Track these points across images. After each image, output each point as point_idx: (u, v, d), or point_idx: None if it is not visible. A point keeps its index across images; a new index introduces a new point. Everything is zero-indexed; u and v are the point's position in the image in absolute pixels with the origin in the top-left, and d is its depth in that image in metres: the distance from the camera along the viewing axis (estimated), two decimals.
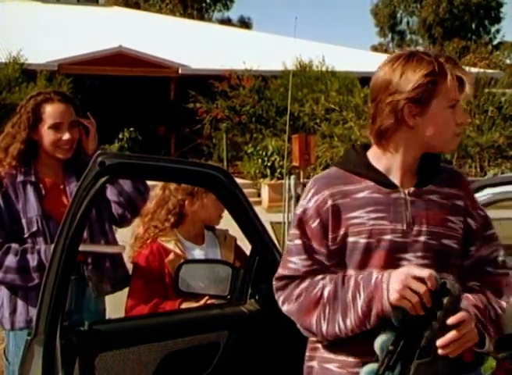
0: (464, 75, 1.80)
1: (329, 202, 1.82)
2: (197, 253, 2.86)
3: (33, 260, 2.56)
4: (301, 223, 1.86)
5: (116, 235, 2.91)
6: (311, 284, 1.82)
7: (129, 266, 2.87)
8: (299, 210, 1.88)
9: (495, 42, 40.67)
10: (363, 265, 1.81)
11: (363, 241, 1.80)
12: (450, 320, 1.68)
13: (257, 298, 2.47)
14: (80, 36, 19.98)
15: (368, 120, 1.87)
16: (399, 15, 44.73)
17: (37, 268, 2.55)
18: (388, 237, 1.80)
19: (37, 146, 2.73)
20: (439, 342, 1.68)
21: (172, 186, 2.88)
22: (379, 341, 1.72)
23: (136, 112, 17.96)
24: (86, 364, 2.12)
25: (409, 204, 1.83)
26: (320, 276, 1.83)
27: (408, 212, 1.82)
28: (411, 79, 1.75)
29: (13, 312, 2.63)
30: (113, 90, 18.07)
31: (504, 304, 1.90)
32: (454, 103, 1.80)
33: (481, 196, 3.09)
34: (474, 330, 1.73)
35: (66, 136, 2.70)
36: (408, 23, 44.72)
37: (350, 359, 1.82)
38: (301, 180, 9.69)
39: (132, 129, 17.21)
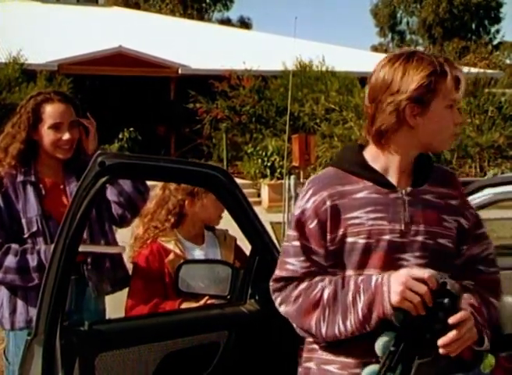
0: (461, 75, 1.81)
1: (328, 203, 1.81)
2: (197, 253, 2.86)
3: (32, 260, 2.56)
4: (299, 224, 1.85)
5: (116, 235, 2.91)
6: (309, 286, 1.82)
7: (129, 266, 2.87)
8: (297, 211, 1.87)
9: (495, 42, 40.69)
10: (362, 265, 1.81)
11: (362, 241, 1.80)
12: (451, 320, 1.69)
13: (257, 298, 2.46)
14: (79, 36, 19.98)
15: (366, 120, 1.86)
16: (399, 15, 44.76)
17: (36, 268, 2.55)
18: (387, 237, 1.80)
19: (37, 146, 2.73)
20: (441, 342, 1.69)
21: (172, 186, 2.88)
22: (380, 343, 1.73)
23: (136, 112, 17.97)
24: (86, 364, 2.12)
25: (406, 204, 1.84)
26: (318, 278, 1.82)
27: (406, 212, 1.83)
28: (413, 79, 1.75)
29: (13, 312, 2.63)
30: (113, 90, 18.07)
31: (497, 302, 1.93)
32: (452, 103, 1.81)
33: (481, 196, 3.09)
34: (474, 329, 1.75)
35: (66, 136, 2.70)
36: (408, 23, 44.78)
37: (350, 360, 1.82)
38: (301, 180, 9.69)
39: (132, 129, 17.22)
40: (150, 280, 2.71)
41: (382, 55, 1.97)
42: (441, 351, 1.69)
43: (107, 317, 2.83)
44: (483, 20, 41.25)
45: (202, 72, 17.88)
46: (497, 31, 42.22)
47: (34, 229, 2.62)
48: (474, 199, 3.10)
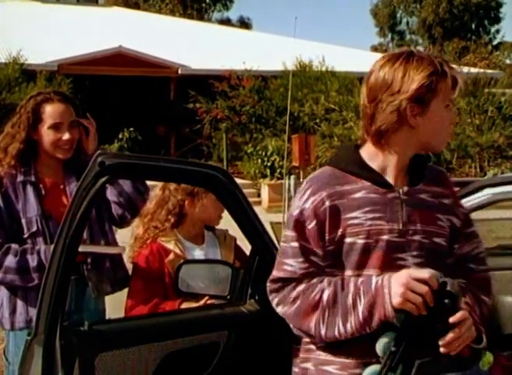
0: (457, 75, 1.82)
1: (327, 203, 1.81)
2: (197, 253, 2.86)
3: (32, 260, 2.56)
4: (298, 225, 1.84)
5: (116, 235, 2.91)
6: (308, 287, 1.81)
7: (129, 266, 2.87)
8: (295, 211, 1.85)
9: (495, 42, 40.69)
10: (360, 265, 1.81)
11: (361, 241, 1.80)
12: (452, 319, 1.70)
13: (257, 298, 2.46)
14: (79, 36, 19.99)
15: (364, 120, 1.85)
16: (398, 15, 44.77)
17: (36, 268, 2.55)
18: (385, 237, 1.81)
19: (36, 146, 2.73)
20: (442, 341, 1.70)
21: (172, 186, 2.87)
22: (381, 343, 1.73)
23: (136, 112, 17.97)
24: (86, 364, 2.12)
25: (404, 203, 1.84)
26: (317, 279, 1.82)
27: (403, 211, 1.83)
28: (414, 79, 1.75)
29: (13, 312, 2.63)
30: (113, 90, 18.07)
31: (489, 300, 1.94)
32: (450, 103, 1.83)
33: (480, 196, 3.09)
34: (472, 328, 1.76)
35: (66, 136, 2.70)
36: (408, 23, 44.79)
37: (350, 360, 1.82)
38: (301, 180, 9.69)
39: (132, 129, 17.22)
40: (150, 280, 2.71)
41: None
42: (442, 350, 1.71)
43: (107, 317, 2.83)
44: (483, 20, 41.26)
45: (202, 72, 17.88)
46: (497, 31, 42.27)
47: (34, 229, 2.62)
48: (474, 199, 3.11)
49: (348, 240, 1.80)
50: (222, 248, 2.91)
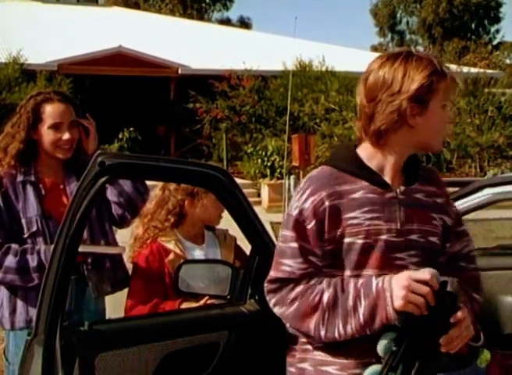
0: (455, 76, 1.84)
1: (327, 203, 1.80)
2: (197, 253, 2.86)
3: (32, 260, 2.56)
4: (297, 225, 1.83)
5: (116, 236, 2.91)
6: (307, 288, 1.80)
7: (129, 266, 2.87)
8: (294, 211, 1.84)
9: (494, 42, 40.69)
10: (359, 265, 1.81)
11: (360, 241, 1.80)
12: (453, 319, 1.72)
13: (257, 298, 2.46)
14: (79, 36, 19.99)
15: (362, 120, 1.85)
16: (398, 15, 44.76)
17: (36, 268, 2.55)
18: (384, 237, 1.81)
19: (36, 146, 2.73)
20: (443, 340, 1.71)
21: (172, 186, 2.87)
22: (382, 344, 1.73)
23: (136, 112, 17.97)
24: (86, 364, 2.12)
25: (401, 203, 1.85)
26: (316, 280, 1.81)
27: (401, 211, 1.84)
28: (415, 78, 1.75)
29: (13, 312, 2.63)
30: (113, 90, 18.07)
31: (480, 298, 1.95)
32: (446, 103, 1.84)
33: (481, 196, 3.09)
34: (471, 326, 1.78)
35: (66, 136, 2.70)
36: (408, 22, 44.78)
37: (350, 361, 1.82)
38: (301, 179, 9.69)
39: (132, 129, 17.22)
40: (150, 280, 2.71)
41: None
42: (443, 349, 1.72)
43: (107, 317, 2.83)
44: (483, 20, 41.27)
45: (202, 72, 17.88)
46: (497, 31, 42.28)
47: (34, 229, 2.62)
48: (474, 199, 3.11)
49: (347, 240, 1.80)
50: (222, 248, 2.91)
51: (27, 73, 16.05)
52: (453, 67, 17.42)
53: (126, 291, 2.79)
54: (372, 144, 1.86)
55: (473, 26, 41.51)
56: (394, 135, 1.82)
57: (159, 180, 2.83)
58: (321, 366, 1.86)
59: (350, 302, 1.75)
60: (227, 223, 2.81)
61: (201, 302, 2.64)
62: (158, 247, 2.78)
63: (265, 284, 1.89)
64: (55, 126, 2.70)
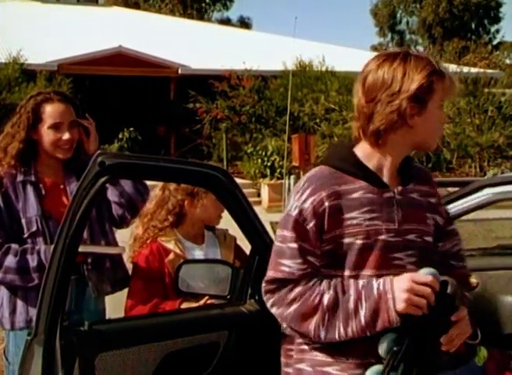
0: (452, 76, 1.84)
1: (326, 203, 1.79)
2: (197, 253, 2.86)
3: (32, 261, 2.56)
4: (297, 225, 1.81)
5: (116, 235, 2.91)
6: (306, 289, 1.79)
7: (129, 266, 2.87)
8: (294, 211, 1.82)
9: (494, 42, 40.67)
10: (358, 265, 1.81)
11: (359, 241, 1.79)
12: (454, 317, 1.75)
13: (257, 298, 2.46)
14: (79, 36, 19.99)
15: (361, 120, 1.84)
16: (398, 15, 44.75)
17: (36, 268, 2.55)
18: (383, 237, 1.81)
19: (36, 146, 2.73)
20: (444, 339, 1.73)
21: (172, 186, 2.88)
22: (384, 344, 1.74)
23: (136, 112, 17.97)
24: (86, 364, 2.12)
25: (398, 203, 1.86)
26: (315, 281, 1.80)
27: (398, 211, 1.85)
28: (414, 78, 1.76)
29: (13, 311, 2.63)
30: (113, 90, 18.07)
31: (469, 296, 1.97)
32: (443, 103, 1.85)
33: (481, 196, 3.09)
34: (469, 324, 1.80)
35: (66, 136, 2.70)
36: (408, 22, 44.77)
37: (351, 361, 1.81)
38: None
39: (132, 129, 17.22)
40: (150, 280, 2.71)
41: None
42: (443, 348, 1.74)
43: (107, 317, 2.83)
44: (483, 20, 41.27)
45: (202, 72, 17.88)
46: (497, 31, 42.27)
47: (34, 229, 2.62)
48: (474, 199, 3.11)
49: (346, 240, 1.80)
50: (222, 248, 2.91)
51: (27, 73, 16.05)
52: (453, 67, 17.46)
53: (126, 291, 2.79)
54: (371, 144, 1.85)
55: (473, 26, 41.50)
56: (393, 135, 1.82)
57: (159, 180, 2.83)
58: (320, 366, 1.85)
59: (351, 305, 1.75)
60: (227, 222, 2.81)
61: (201, 302, 2.64)
62: (158, 247, 2.78)
63: (263, 284, 1.88)
64: (55, 126, 2.70)
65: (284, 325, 1.91)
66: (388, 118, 1.78)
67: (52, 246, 2.19)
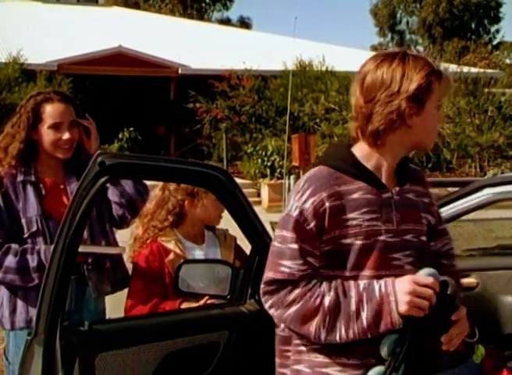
0: (448, 76, 1.85)
1: (327, 204, 1.78)
2: (198, 253, 2.86)
3: (32, 261, 2.56)
4: (298, 226, 1.79)
5: (116, 235, 2.91)
6: (306, 291, 1.78)
7: (129, 266, 2.87)
8: (295, 212, 1.80)
9: (495, 42, 40.67)
10: (357, 266, 1.80)
11: (359, 242, 1.79)
12: (454, 317, 1.76)
13: (257, 297, 2.46)
14: (79, 36, 19.99)
15: (360, 121, 1.83)
16: (398, 15, 44.75)
17: (36, 268, 2.54)
18: (382, 237, 1.81)
19: (36, 146, 2.73)
20: (444, 338, 1.75)
21: (172, 186, 2.87)
22: (386, 346, 1.74)
23: (136, 112, 17.97)
24: (86, 364, 2.12)
25: (396, 204, 1.86)
26: (314, 282, 1.78)
27: (396, 211, 1.85)
28: (413, 78, 1.76)
29: (13, 311, 2.63)
30: (113, 90, 18.07)
31: (462, 294, 1.97)
32: (440, 103, 1.85)
33: (481, 196, 3.09)
34: (467, 323, 1.82)
35: (66, 136, 2.70)
36: (408, 22, 44.77)
37: (351, 362, 1.81)
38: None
39: (132, 129, 17.22)
40: (150, 280, 2.71)
41: None
42: (444, 347, 1.76)
43: (107, 317, 2.83)
44: (483, 20, 41.28)
45: (202, 72, 17.88)
46: (497, 31, 42.28)
47: (34, 229, 2.62)
48: (474, 199, 3.11)
49: (346, 241, 1.79)
50: (222, 248, 2.91)
51: (27, 73, 16.05)
52: (453, 67, 17.47)
53: (126, 290, 2.79)
54: (369, 145, 1.85)
55: (473, 26, 41.51)
56: (392, 135, 1.82)
57: (159, 180, 2.83)
58: (319, 367, 1.84)
59: (353, 307, 1.74)
60: (227, 222, 2.81)
61: (201, 302, 2.64)
62: (158, 247, 2.78)
63: (262, 285, 1.85)
64: (55, 126, 2.70)
65: (281, 326, 1.90)
66: (387, 118, 1.78)
67: (52, 246, 2.19)
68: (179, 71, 18.26)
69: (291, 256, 1.79)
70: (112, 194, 2.76)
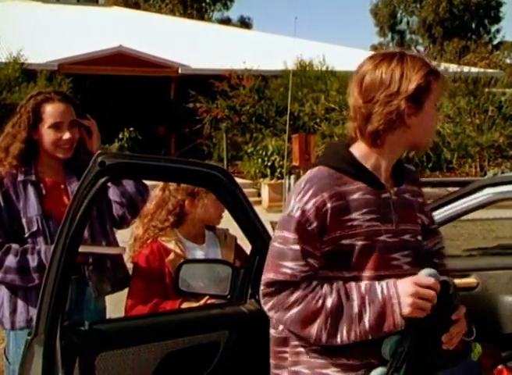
0: (444, 76, 1.86)
1: (329, 205, 1.77)
2: (198, 253, 2.86)
3: (33, 261, 2.56)
4: (300, 226, 1.78)
5: (116, 235, 2.91)
6: (308, 293, 1.76)
7: (129, 266, 2.87)
8: (296, 213, 1.78)
9: (495, 42, 40.68)
10: (357, 266, 1.80)
11: (359, 243, 1.79)
12: (455, 316, 1.78)
13: (257, 297, 2.46)
14: (79, 36, 19.99)
15: (358, 121, 1.83)
16: (399, 14, 44.75)
17: (37, 268, 2.55)
18: (381, 238, 1.82)
19: (37, 146, 2.73)
20: (445, 338, 1.76)
21: (172, 186, 2.88)
22: (388, 346, 1.75)
23: (137, 112, 17.97)
24: (86, 364, 2.12)
25: (394, 204, 1.87)
26: (315, 283, 1.77)
27: (395, 211, 1.86)
28: (412, 79, 1.77)
29: (13, 311, 2.63)
30: (113, 90, 18.07)
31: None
32: (437, 103, 1.86)
33: (481, 196, 3.09)
34: (465, 321, 1.83)
35: (66, 135, 2.70)
36: (408, 22, 44.77)
37: (352, 362, 1.80)
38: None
39: (132, 129, 17.20)
40: (150, 280, 2.71)
41: None
42: (444, 346, 1.77)
43: (107, 317, 2.83)
44: (483, 20, 41.27)
45: (202, 71, 17.88)
46: (497, 31, 42.28)
47: (34, 228, 2.62)
48: (474, 199, 3.11)
49: (346, 241, 1.79)
50: (223, 248, 2.91)
51: (27, 73, 16.04)
52: (454, 67, 17.46)
53: (126, 290, 2.79)
54: (368, 145, 1.85)
55: (473, 25, 41.51)
56: (391, 135, 1.82)
57: (160, 180, 2.83)
58: (319, 368, 1.83)
59: (355, 309, 1.73)
60: (227, 222, 2.82)
61: (202, 302, 2.64)
62: (159, 246, 2.78)
63: (262, 287, 1.82)
64: (56, 126, 2.70)
65: (279, 328, 1.88)
66: (386, 118, 1.78)
67: (53, 246, 2.19)
68: (180, 71, 18.25)
69: (293, 257, 1.77)
70: (113, 194, 2.76)
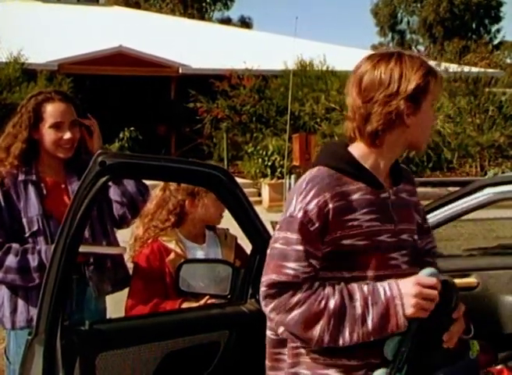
0: (441, 75, 1.86)
1: (330, 205, 1.77)
2: (198, 253, 2.86)
3: (33, 260, 2.56)
4: (302, 227, 1.76)
5: (116, 235, 2.91)
6: (310, 294, 1.74)
7: (130, 266, 2.87)
8: (299, 213, 1.77)
9: (495, 42, 40.66)
10: (357, 267, 1.80)
11: (360, 243, 1.79)
12: (455, 315, 1.79)
13: (257, 297, 2.46)
14: (80, 36, 19.98)
15: (357, 121, 1.83)
16: (399, 14, 44.72)
17: (37, 268, 2.55)
18: (381, 238, 1.82)
19: (37, 145, 2.73)
20: (446, 336, 1.77)
21: (172, 186, 2.88)
22: (390, 347, 1.75)
23: (137, 112, 17.96)
24: (86, 363, 2.13)
25: (393, 204, 1.87)
26: (318, 285, 1.76)
27: (394, 211, 1.86)
28: (411, 79, 1.77)
29: (14, 311, 2.63)
30: (113, 90, 18.06)
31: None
32: (434, 102, 1.87)
33: (481, 195, 3.09)
34: (463, 320, 1.84)
35: (67, 135, 2.71)
36: (408, 22, 44.74)
37: (353, 363, 1.80)
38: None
39: (132, 128, 17.19)
40: (150, 280, 2.71)
41: None
42: (445, 345, 1.78)
43: (107, 317, 2.83)
44: (483, 20, 41.26)
45: (203, 71, 17.88)
46: (498, 31, 42.26)
47: (35, 228, 2.62)
48: (475, 199, 3.11)
49: (347, 242, 1.79)
50: (223, 248, 2.91)
51: (28, 73, 16.04)
52: (454, 67, 17.45)
53: (126, 290, 2.79)
54: (367, 145, 1.85)
55: (474, 25, 41.49)
56: (390, 135, 1.82)
57: (160, 180, 2.83)
58: (319, 369, 1.82)
59: (358, 310, 1.72)
60: (228, 222, 2.82)
61: (202, 302, 2.64)
62: (159, 246, 2.79)
63: (263, 288, 1.79)
64: (56, 126, 2.70)
65: (280, 330, 1.84)
66: (386, 118, 1.78)
67: (53, 246, 2.19)
68: (180, 71, 18.25)
69: (296, 258, 1.75)
70: (114, 194, 2.77)
